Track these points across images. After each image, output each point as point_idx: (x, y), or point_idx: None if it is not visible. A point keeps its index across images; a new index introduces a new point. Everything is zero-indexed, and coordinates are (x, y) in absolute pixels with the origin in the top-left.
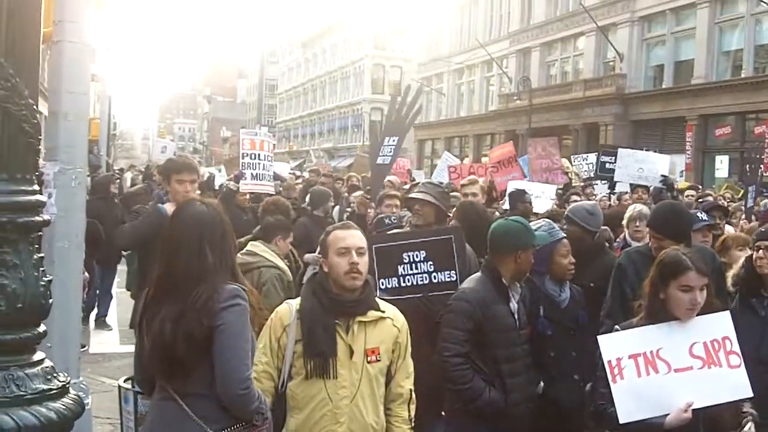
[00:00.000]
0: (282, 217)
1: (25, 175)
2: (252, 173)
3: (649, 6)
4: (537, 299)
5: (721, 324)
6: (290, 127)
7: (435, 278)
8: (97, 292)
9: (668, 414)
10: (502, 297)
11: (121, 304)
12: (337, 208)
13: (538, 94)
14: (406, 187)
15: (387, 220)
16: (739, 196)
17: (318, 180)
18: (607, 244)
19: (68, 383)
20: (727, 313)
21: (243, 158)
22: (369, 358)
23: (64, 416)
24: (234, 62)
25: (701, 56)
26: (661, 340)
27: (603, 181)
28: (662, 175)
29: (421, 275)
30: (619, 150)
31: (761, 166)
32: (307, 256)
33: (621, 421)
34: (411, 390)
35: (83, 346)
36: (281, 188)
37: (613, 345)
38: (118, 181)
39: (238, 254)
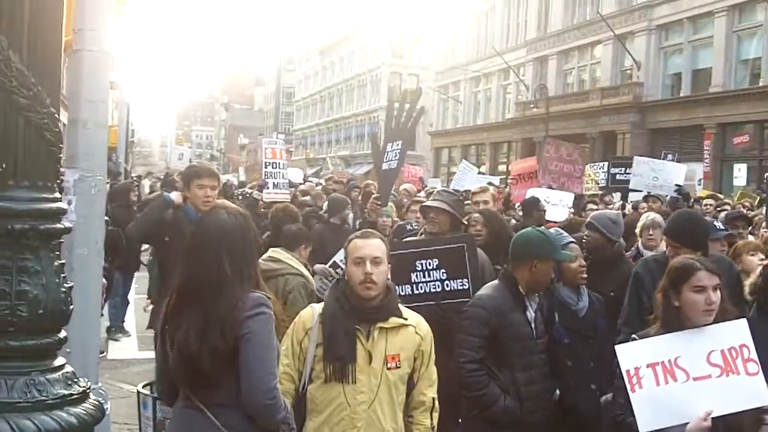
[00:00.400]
0: (303, 227)
1: (47, 182)
2: (273, 182)
3: (666, 14)
4: (553, 307)
5: (738, 332)
6: (307, 134)
7: (447, 286)
8: (117, 299)
9: (687, 423)
10: (519, 305)
11: (138, 310)
12: (351, 215)
13: (555, 102)
14: (421, 194)
15: (408, 226)
16: (756, 203)
17: (332, 187)
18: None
19: (89, 389)
20: (744, 320)
21: (265, 167)
22: (389, 365)
23: (84, 421)
24: (251, 70)
25: (719, 64)
26: (678, 348)
27: (615, 192)
28: (677, 185)
29: (433, 283)
30: (635, 158)
31: None
32: (317, 267)
33: (641, 431)
34: (434, 398)
35: (102, 352)
36: (309, 196)
37: (631, 354)
38: (137, 187)
39: (262, 260)
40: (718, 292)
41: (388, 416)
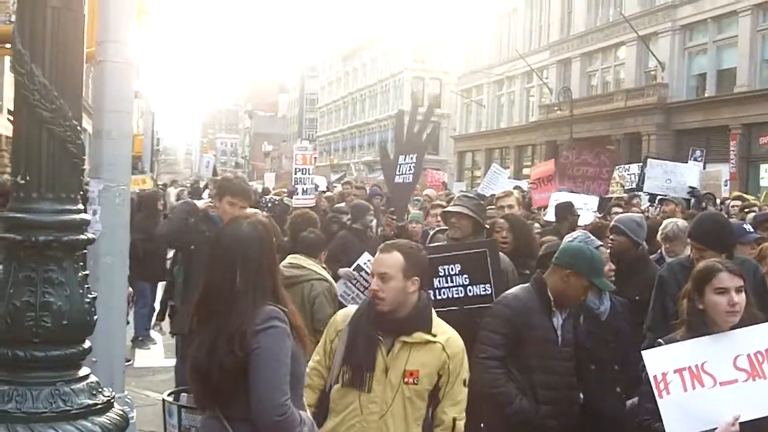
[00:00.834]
0: (320, 232)
1: (70, 194)
2: (303, 188)
3: (690, 15)
4: (576, 310)
5: (764, 336)
6: (331, 140)
7: (470, 291)
8: (145, 309)
9: (715, 428)
10: (545, 309)
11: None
12: (375, 221)
13: (579, 105)
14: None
15: (431, 232)
16: None
17: (352, 192)
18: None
19: (113, 398)
20: None
21: (296, 173)
22: (406, 380)
23: (108, 430)
24: (275, 77)
25: (744, 64)
26: (705, 353)
27: (645, 192)
28: (690, 187)
29: (456, 288)
30: (648, 160)
31: None
32: (341, 271)
33: None
34: (455, 419)
35: (128, 360)
36: (345, 202)
37: (658, 360)
38: (162, 196)
39: (283, 267)
40: (743, 294)
41: (399, 430)
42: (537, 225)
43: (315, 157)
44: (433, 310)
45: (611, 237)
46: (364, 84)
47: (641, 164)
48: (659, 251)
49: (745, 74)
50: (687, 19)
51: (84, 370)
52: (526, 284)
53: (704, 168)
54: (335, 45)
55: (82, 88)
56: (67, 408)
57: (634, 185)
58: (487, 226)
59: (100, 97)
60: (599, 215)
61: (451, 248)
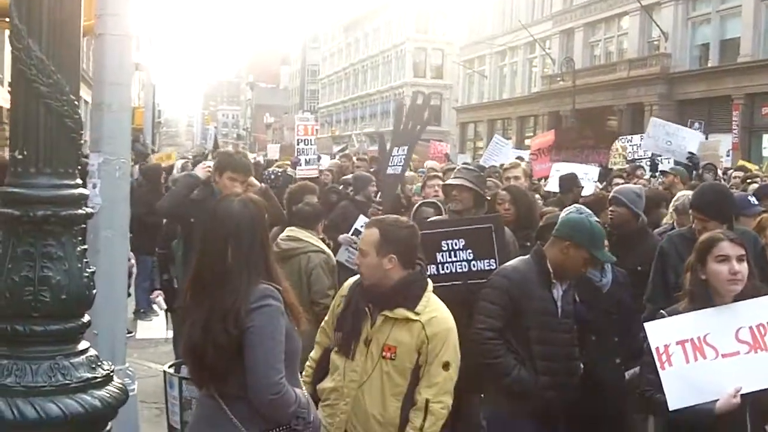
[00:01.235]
0: (316, 204)
1: (68, 169)
2: (305, 159)
3: None
4: (576, 283)
5: (765, 308)
6: (332, 112)
7: (474, 266)
8: (146, 283)
9: (717, 400)
10: (545, 281)
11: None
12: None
13: (582, 75)
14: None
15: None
16: None
17: (351, 164)
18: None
19: (112, 371)
20: None
21: (298, 144)
22: (384, 354)
23: (108, 404)
24: (276, 49)
25: (747, 34)
26: (707, 325)
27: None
28: (690, 152)
29: (460, 263)
30: (652, 119)
31: None
32: (341, 238)
33: (671, 408)
34: (428, 400)
35: (129, 332)
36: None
37: (660, 331)
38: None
39: (281, 240)
40: (745, 263)
41: (375, 403)
42: (537, 196)
43: (317, 129)
44: (429, 289)
45: (611, 209)
46: (366, 55)
47: (642, 135)
48: (672, 223)
49: (749, 44)
50: None
51: (83, 344)
52: (526, 256)
53: (706, 138)
54: (337, 15)
55: (80, 62)
56: (67, 382)
57: (635, 156)
58: (488, 198)
59: (99, 70)
60: (600, 185)
61: (455, 223)
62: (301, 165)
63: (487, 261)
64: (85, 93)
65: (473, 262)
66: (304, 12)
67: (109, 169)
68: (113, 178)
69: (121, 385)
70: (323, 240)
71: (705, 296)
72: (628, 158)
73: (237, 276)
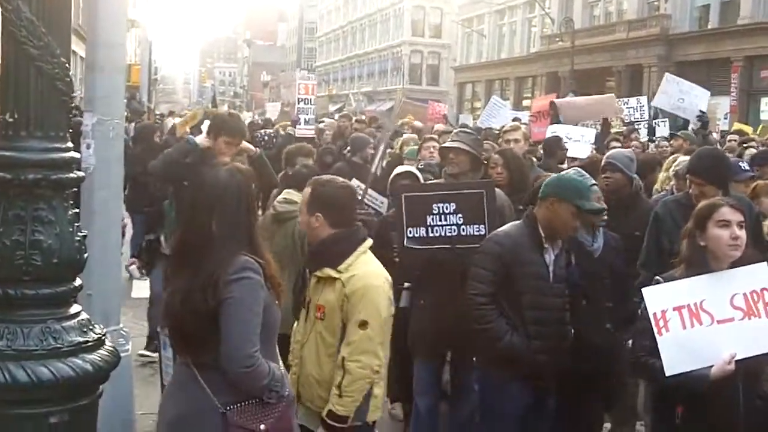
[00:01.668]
0: (313, 165)
1: (59, 132)
2: (305, 118)
3: None
4: (569, 247)
5: (759, 275)
6: (330, 70)
7: (463, 231)
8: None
9: (711, 366)
10: (536, 245)
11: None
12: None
13: (581, 36)
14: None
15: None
16: None
17: (350, 125)
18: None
19: (104, 335)
20: (765, 264)
21: (298, 103)
22: (317, 314)
23: (99, 367)
24: (274, 5)
25: None
26: (703, 291)
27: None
28: (701, 111)
29: (449, 227)
30: (666, 75)
31: None
32: None
33: (667, 374)
34: (344, 358)
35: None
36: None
37: (657, 297)
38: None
39: (277, 203)
40: (744, 230)
41: (312, 362)
42: (534, 159)
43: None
44: (362, 248)
45: (606, 175)
46: (364, 13)
47: (640, 98)
48: (671, 188)
49: (749, 6)
50: None
51: (75, 308)
52: (519, 221)
53: None
54: None
55: (71, 24)
56: (58, 345)
57: (632, 119)
58: (485, 162)
59: (92, 30)
60: (596, 148)
61: (447, 187)
62: (300, 124)
63: (477, 226)
64: (80, 48)
65: (463, 227)
66: None
67: (103, 130)
68: (107, 139)
69: (113, 349)
70: None
71: (702, 262)
72: (626, 121)
73: (219, 246)
